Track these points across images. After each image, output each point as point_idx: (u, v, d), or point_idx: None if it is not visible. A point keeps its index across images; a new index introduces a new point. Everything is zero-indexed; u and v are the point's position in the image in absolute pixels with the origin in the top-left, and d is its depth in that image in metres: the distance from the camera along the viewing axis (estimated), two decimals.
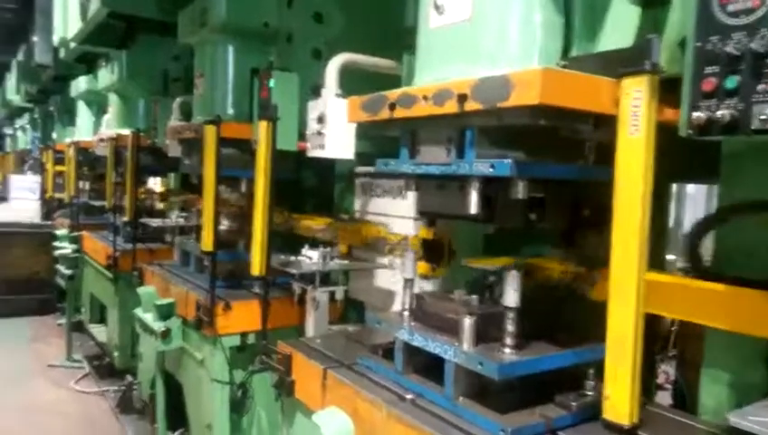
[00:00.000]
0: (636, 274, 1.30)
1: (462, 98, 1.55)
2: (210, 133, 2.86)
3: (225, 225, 3.80)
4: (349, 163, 3.33)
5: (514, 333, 1.65)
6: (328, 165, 3.47)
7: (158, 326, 3.35)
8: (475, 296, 1.85)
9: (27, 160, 9.95)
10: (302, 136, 2.90)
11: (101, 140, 5.42)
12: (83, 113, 7.39)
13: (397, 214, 2.97)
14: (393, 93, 1.86)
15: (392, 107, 1.85)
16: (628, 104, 1.32)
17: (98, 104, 7.20)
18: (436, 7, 1.78)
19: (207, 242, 2.91)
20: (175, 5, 4.68)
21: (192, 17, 3.56)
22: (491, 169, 1.54)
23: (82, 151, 6.47)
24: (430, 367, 1.83)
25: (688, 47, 1.27)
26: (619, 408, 1.33)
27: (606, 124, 1.45)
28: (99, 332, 5.71)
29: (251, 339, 3.19)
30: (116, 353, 4.93)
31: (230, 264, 3.48)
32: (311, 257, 2.82)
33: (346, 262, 2.90)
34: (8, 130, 16.41)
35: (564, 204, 1.84)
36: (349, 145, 2.50)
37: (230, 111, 3.44)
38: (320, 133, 2.48)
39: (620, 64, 1.36)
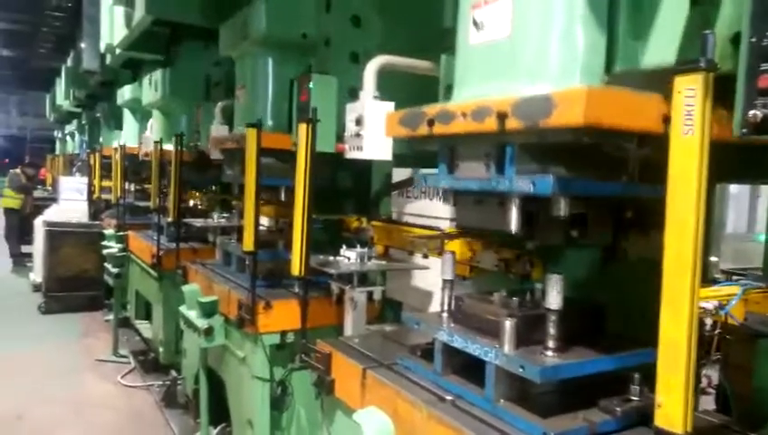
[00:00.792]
0: (690, 279, 1.24)
1: (502, 116, 1.54)
2: (251, 136, 2.93)
3: (264, 226, 3.90)
4: (385, 165, 3.36)
5: (556, 336, 1.64)
6: (365, 167, 3.51)
7: (202, 323, 3.44)
8: (515, 299, 1.86)
9: (76, 163, 10.32)
10: (339, 138, 2.96)
11: (146, 154, 5.61)
12: (129, 120, 7.63)
13: (434, 215, 2.99)
14: (432, 109, 1.86)
15: (431, 123, 1.85)
16: (681, 103, 1.26)
17: (142, 112, 7.42)
18: (476, 24, 1.78)
19: (248, 242, 2.98)
20: (218, 13, 4.82)
21: (233, 30, 3.64)
22: (532, 187, 1.54)
23: (129, 156, 6.69)
24: (470, 368, 1.84)
25: (743, 43, 1.23)
26: (673, 416, 1.30)
27: (651, 140, 1.42)
28: (144, 328, 5.90)
29: (290, 337, 3.25)
30: (161, 349, 5.08)
31: (270, 263, 3.56)
32: (349, 258, 2.86)
33: (383, 262, 2.93)
34: (58, 135, 17.05)
35: (607, 219, 1.83)
36: (386, 147, 2.53)
37: (270, 121, 3.50)
38: (358, 135, 2.51)
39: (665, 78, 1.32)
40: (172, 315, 5.05)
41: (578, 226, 1.74)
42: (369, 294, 2.91)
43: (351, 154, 2.59)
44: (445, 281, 2.12)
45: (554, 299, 1.63)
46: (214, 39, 5.29)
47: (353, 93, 3.27)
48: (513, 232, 1.64)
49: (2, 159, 29.36)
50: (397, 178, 3.23)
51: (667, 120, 1.34)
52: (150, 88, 5.51)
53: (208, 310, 3.48)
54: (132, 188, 7.58)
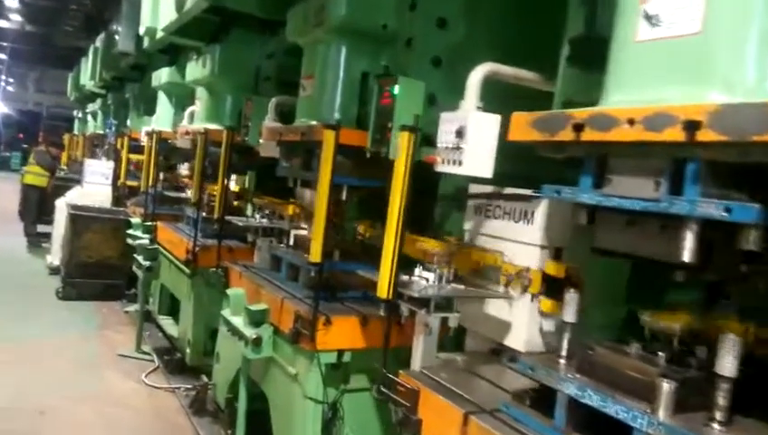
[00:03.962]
0: None
1: (692, 126, 1.33)
2: (329, 138, 2.71)
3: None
4: (457, 180, 3.13)
5: (727, 407, 1.41)
6: (431, 180, 3.28)
7: (250, 333, 3.22)
8: (661, 354, 1.62)
9: (102, 146, 10.13)
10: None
11: (187, 132, 5.37)
12: (163, 104, 7.43)
13: (518, 239, 2.75)
14: (581, 113, 1.66)
15: (578, 128, 1.65)
16: None
17: (178, 96, 7.22)
18: (648, 18, 1.56)
19: (316, 253, 2.76)
20: (275, 4, 4.61)
21: (305, 16, 3.42)
22: (726, 214, 1.31)
23: (162, 142, 6.48)
24: (596, 427, 1.62)
25: None
26: None
27: None
28: (167, 324, 5.68)
29: (347, 357, 3.03)
30: (188, 350, 4.86)
31: (325, 274, 3.34)
32: (427, 279, 2.63)
33: (462, 287, 2.70)
34: (78, 114, 16.86)
35: None
36: (488, 163, 2.30)
37: (336, 115, 3.29)
38: (457, 148, 2.28)
39: None
40: (203, 315, 4.85)
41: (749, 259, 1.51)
42: (443, 321, 2.69)
43: (446, 168, 2.36)
44: (565, 323, 1.89)
45: (729, 364, 1.40)
46: (267, 31, 5.13)
47: (431, 100, 3.06)
48: (687, 262, 1.42)
49: (16, 134, 29.26)
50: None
51: None
52: (197, 65, 5.29)
53: (258, 319, 3.26)
54: (161, 177, 7.35)
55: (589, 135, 1.62)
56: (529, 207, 2.67)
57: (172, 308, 5.85)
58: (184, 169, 7.87)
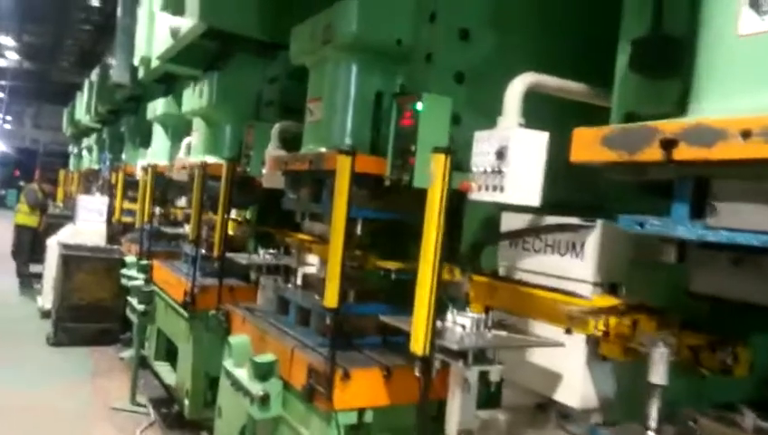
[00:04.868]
0: None
1: None
2: (344, 166, 2.36)
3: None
4: (486, 208, 2.78)
5: None
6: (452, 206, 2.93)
7: (256, 389, 2.83)
8: None
9: (95, 181, 9.81)
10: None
11: (184, 166, 5.04)
12: (159, 136, 7.12)
13: (565, 275, 2.38)
14: (670, 125, 1.32)
15: (669, 145, 1.31)
16: None
17: (174, 128, 6.93)
18: (756, 6, 1.23)
19: (332, 297, 2.39)
20: (276, 26, 4.33)
21: (312, 34, 3.11)
22: None
23: (158, 176, 6.15)
24: None
25: None
26: None
27: None
28: (165, 371, 5.25)
29: (368, 416, 2.64)
30: (186, 401, 4.44)
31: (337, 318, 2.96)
32: (463, 326, 2.25)
33: (504, 334, 2.32)
34: (73, 150, 16.60)
35: None
36: (535, 189, 1.95)
37: (348, 140, 2.95)
38: (498, 172, 1.93)
39: None
40: (202, 362, 4.45)
41: None
42: (482, 374, 2.30)
43: (484, 196, 2.01)
44: (653, 385, 1.52)
45: None
46: (267, 54, 4.84)
47: (456, 120, 2.73)
48: None
49: (12, 172, 29.01)
50: (509, 224, 2.63)
51: None
52: (194, 95, 4.98)
53: (265, 372, 2.87)
54: (156, 212, 7.01)
55: (684, 153, 1.28)
56: (577, 238, 2.32)
57: (169, 352, 5.44)
58: (181, 203, 7.55)
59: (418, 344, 1.86)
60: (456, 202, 2.77)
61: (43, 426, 4.59)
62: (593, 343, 2.25)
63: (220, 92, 4.68)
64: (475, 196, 2.10)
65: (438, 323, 2.38)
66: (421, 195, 2.25)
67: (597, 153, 1.49)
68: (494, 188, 1.96)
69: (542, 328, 2.50)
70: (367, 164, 2.73)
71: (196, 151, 5.18)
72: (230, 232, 5.23)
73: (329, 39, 2.95)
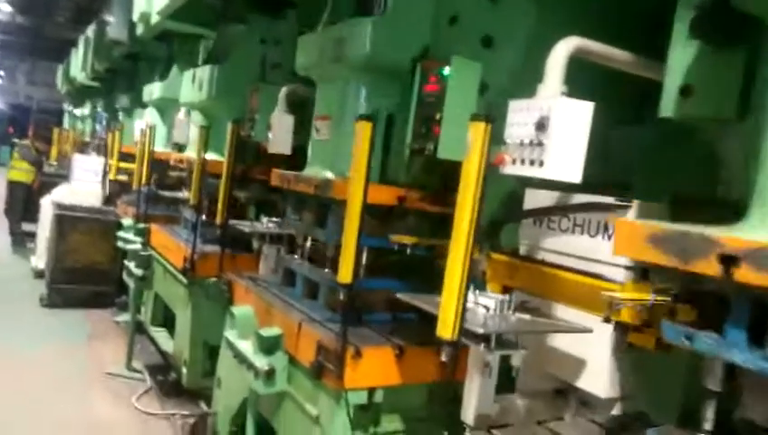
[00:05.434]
0: None
1: None
2: (364, 131, 2.19)
3: None
4: (507, 182, 2.63)
5: None
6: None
7: (261, 363, 2.72)
8: None
9: (92, 141, 9.57)
10: None
11: (180, 160, 4.86)
12: (155, 121, 6.85)
13: (595, 257, 2.25)
14: (732, 241, 1.15)
15: (729, 261, 1.16)
16: None
17: (170, 112, 6.66)
18: None
19: (346, 272, 2.25)
20: None
21: (321, 48, 2.90)
22: None
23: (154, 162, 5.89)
24: None
25: None
26: None
27: None
28: (161, 337, 5.15)
29: (378, 396, 2.53)
30: (184, 370, 4.34)
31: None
32: (487, 307, 2.13)
33: (527, 317, 2.19)
34: (69, 108, 16.25)
35: None
36: (578, 165, 1.80)
37: None
38: (538, 144, 1.78)
39: None
40: (201, 331, 4.34)
41: None
42: (504, 359, 2.19)
43: (520, 170, 1.86)
44: (710, 391, 1.39)
45: None
46: (273, 13, 4.60)
47: (483, 89, 2.55)
48: None
49: (6, 128, 28.52)
50: (533, 201, 2.49)
51: None
52: (193, 86, 4.74)
53: (270, 346, 2.75)
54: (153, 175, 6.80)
55: (747, 276, 1.11)
56: (611, 218, 2.18)
57: (166, 318, 5.33)
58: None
59: (447, 328, 1.73)
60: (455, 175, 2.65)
61: (37, 389, 4.49)
62: (621, 330, 2.13)
63: (220, 86, 4.45)
64: (509, 169, 1.95)
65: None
66: None
67: (643, 252, 1.32)
68: (532, 163, 1.81)
69: (564, 311, 2.38)
70: (379, 194, 2.59)
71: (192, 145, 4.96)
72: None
73: (339, 57, 2.75)
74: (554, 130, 1.76)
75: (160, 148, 6.32)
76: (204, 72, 4.60)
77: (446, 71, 2.25)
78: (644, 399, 2.22)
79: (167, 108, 6.64)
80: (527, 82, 1.98)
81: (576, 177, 1.82)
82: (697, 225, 1.29)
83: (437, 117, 2.26)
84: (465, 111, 2.25)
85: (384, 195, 2.59)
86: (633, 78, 2.17)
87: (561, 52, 1.85)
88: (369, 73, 2.72)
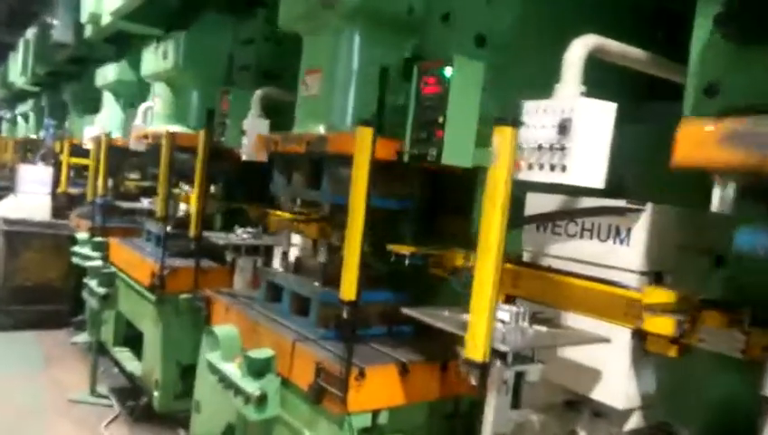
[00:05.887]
0: None
1: None
2: (364, 137, 2.05)
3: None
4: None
5: None
6: (457, 181, 2.68)
7: (252, 387, 2.53)
8: None
9: (38, 150, 9.02)
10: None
11: (146, 136, 4.57)
12: (109, 104, 6.51)
13: (606, 263, 2.17)
14: None
15: None
16: None
17: (127, 96, 6.34)
18: None
19: (350, 289, 2.10)
20: None
21: None
22: None
23: (111, 147, 5.61)
24: None
25: None
26: None
27: None
28: (126, 358, 4.84)
29: (383, 417, 2.39)
30: (156, 393, 4.08)
31: (339, 306, 2.68)
32: (502, 320, 2.02)
33: (545, 329, 2.09)
34: (6, 115, 15.36)
35: None
36: (601, 170, 1.71)
37: (349, 119, 2.63)
38: (559, 148, 1.68)
39: None
40: (173, 350, 4.10)
41: None
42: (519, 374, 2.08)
43: (538, 176, 1.75)
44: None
45: None
46: (241, 13, 4.39)
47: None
48: None
49: None
50: (536, 206, 2.39)
51: None
52: (157, 56, 4.48)
53: (260, 368, 2.57)
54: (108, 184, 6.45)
55: None
56: (623, 222, 2.11)
57: (127, 337, 5.02)
58: (134, 175, 7.01)
59: (478, 350, 1.61)
60: (470, 179, 2.53)
61: None
62: (639, 337, 2.06)
63: (188, 54, 4.22)
64: (524, 175, 1.84)
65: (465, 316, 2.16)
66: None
67: (714, 154, 1.23)
68: (553, 168, 1.71)
69: (573, 319, 2.30)
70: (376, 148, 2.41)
71: (158, 119, 4.70)
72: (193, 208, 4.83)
73: (330, 3, 2.59)
74: (578, 133, 1.66)
75: (118, 135, 6.00)
76: (169, 40, 4.36)
77: (447, 71, 2.12)
78: (664, 408, 2.16)
79: (122, 91, 6.34)
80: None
81: (599, 182, 1.73)
82: None
83: (440, 120, 2.14)
84: (469, 113, 2.15)
85: (382, 149, 2.30)
86: (627, 75, 2.11)
87: (579, 50, 1.76)
88: (362, 21, 2.57)
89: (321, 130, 2.65)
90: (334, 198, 2.63)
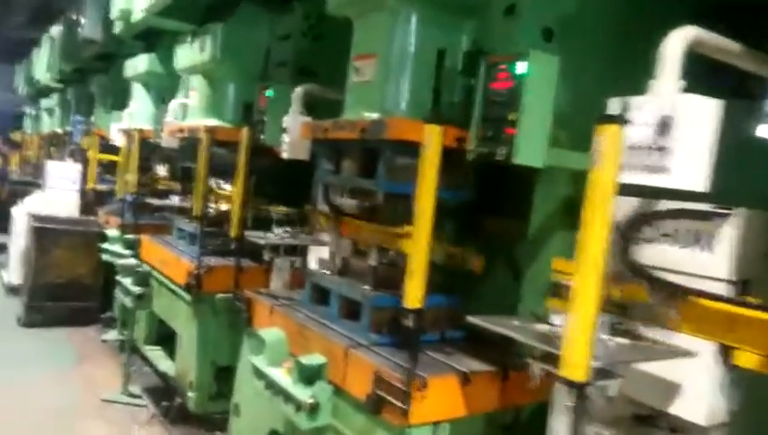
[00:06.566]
0: None
1: None
2: (434, 136, 1.93)
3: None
4: (558, 188, 2.42)
5: None
6: (515, 184, 2.55)
7: (303, 395, 2.43)
8: None
9: (62, 146, 9.02)
10: None
11: (181, 130, 4.49)
12: (139, 97, 6.45)
13: (689, 271, 2.03)
14: None
15: None
16: None
17: (157, 88, 6.28)
18: None
19: (414, 296, 1.99)
20: None
21: None
22: None
23: (142, 141, 5.56)
24: None
25: None
26: None
27: None
28: (158, 356, 4.78)
29: (443, 430, 2.28)
30: (190, 394, 4.00)
31: (392, 310, 2.57)
32: None
33: (628, 342, 1.96)
34: (31, 111, 15.43)
35: None
36: (703, 172, 1.58)
37: (403, 105, 2.53)
38: (659, 149, 1.55)
39: None
40: (209, 351, 4.03)
41: None
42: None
43: (636, 179, 1.62)
44: None
45: None
46: (277, 8, 4.30)
47: None
48: None
49: None
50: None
51: None
52: (193, 49, 4.40)
53: (312, 375, 2.47)
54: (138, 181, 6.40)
55: None
56: (706, 227, 1.97)
57: (160, 335, 4.96)
58: (162, 171, 6.95)
59: (578, 369, 1.48)
60: (524, 179, 2.41)
61: (28, 422, 4.08)
62: (725, 349, 1.93)
63: (226, 45, 4.13)
64: (632, 179, 1.71)
65: (543, 327, 2.04)
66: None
67: None
68: (651, 170, 1.58)
69: (645, 329, 2.17)
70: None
71: (193, 113, 4.62)
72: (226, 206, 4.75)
73: None
74: (681, 133, 1.53)
75: (146, 125, 5.96)
76: (206, 32, 4.27)
77: (520, 66, 2.00)
78: (747, 426, 2.03)
79: (153, 83, 6.26)
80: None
81: (702, 185, 1.60)
82: None
83: (510, 118, 2.01)
84: (543, 110, 2.03)
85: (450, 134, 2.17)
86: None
87: (677, 43, 1.62)
88: (419, 2, 2.47)
89: (375, 116, 2.54)
90: (390, 186, 2.53)
